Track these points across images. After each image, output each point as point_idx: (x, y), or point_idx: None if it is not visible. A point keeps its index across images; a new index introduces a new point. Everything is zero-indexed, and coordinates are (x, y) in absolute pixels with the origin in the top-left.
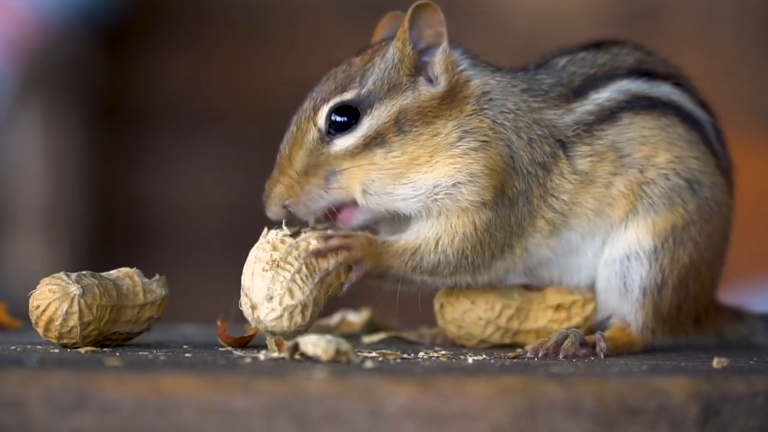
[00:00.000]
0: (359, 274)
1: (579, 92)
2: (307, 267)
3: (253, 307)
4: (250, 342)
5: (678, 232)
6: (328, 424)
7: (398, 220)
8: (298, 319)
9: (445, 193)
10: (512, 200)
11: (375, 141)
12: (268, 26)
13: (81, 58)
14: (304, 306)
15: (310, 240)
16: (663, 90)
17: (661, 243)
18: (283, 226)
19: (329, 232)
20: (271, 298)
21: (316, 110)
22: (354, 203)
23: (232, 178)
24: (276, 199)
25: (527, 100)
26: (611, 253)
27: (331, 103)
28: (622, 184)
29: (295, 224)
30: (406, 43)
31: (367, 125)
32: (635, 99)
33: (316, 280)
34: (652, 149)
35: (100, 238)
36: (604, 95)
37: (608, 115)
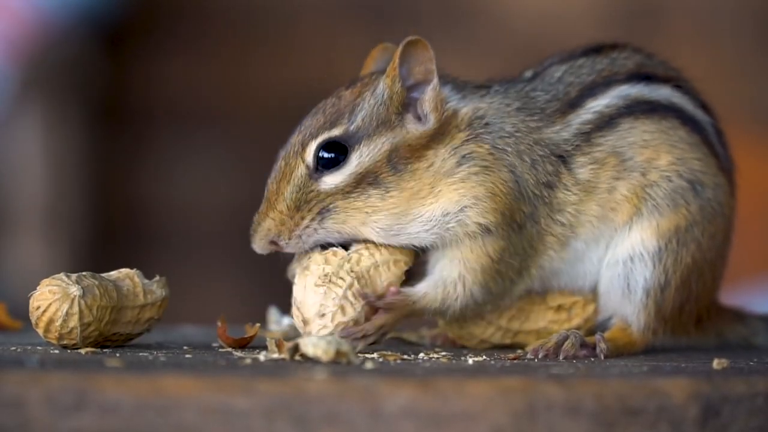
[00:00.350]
0: (377, 337)
1: (575, 103)
2: (359, 281)
3: (305, 322)
4: (250, 343)
5: (681, 233)
6: (329, 425)
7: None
8: None
9: (456, 221)
10: (521, 225)
11: (367, 180)
12: (268, 26)
13: (81, 58)
14: (356, 322)
15: (362, 252)
16: (663, 93)
17: (665, 244)
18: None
19: (369, 294)
20: (323, 315)
21: (304, 146)
22: (352, 238)
23: (232, 178)
24: (263, 233)
25: (525, 120)
26: (614, 254)
27: (320, 139)
28: (624, 188)
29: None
30: (395, 80)
31: (355, 162)
32: (635, 104)
33: (344, 334)
34: (654, 152)
35: (101, 238)
36: (603, 102)
37: (607, 122)
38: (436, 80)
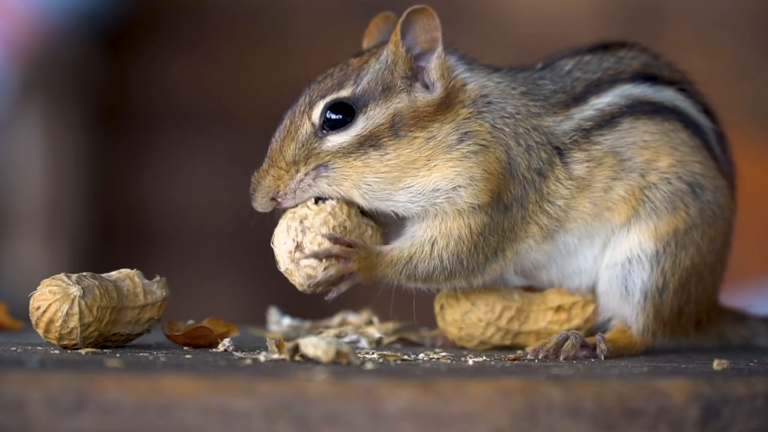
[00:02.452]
0: (350, 284)
1: (579, 98)
2: (326, 224)
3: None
4: (202, 336)
5: (680, 235)
6: (329, 426)
7: (394, 218)
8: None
9: (445, 197)
10: (507, 205)
11: (369, 142)
12: (268, 28)
13: (81, 59)
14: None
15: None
16: (666, 95)
17: (663, 247)
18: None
19: (334, 234)
20: (285, 244)
21: (311, 105)
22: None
23: (232, 179)
24: (264, 191)
25: (527, 104)
26: (613, 256)
27: (328, 99)
28: (622, 188)
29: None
30: (398, 46)
31: (362, 124)
32: (637, 104)
33: (306, 284)
34: (654, 154)
35: (101, 239)
36: (605, 100)
37: (608, 120)
38: (440, 48)
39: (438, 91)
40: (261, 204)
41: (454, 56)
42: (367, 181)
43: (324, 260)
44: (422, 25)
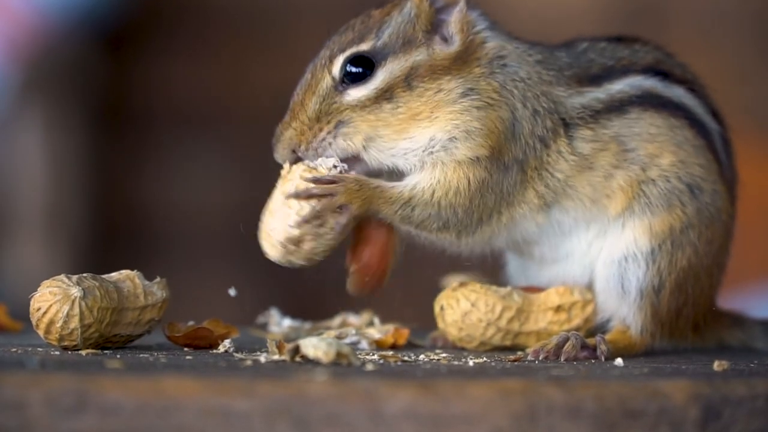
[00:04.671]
0: (347, 217)
1: (593, 79)
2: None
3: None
4: (202, 336)
5: (676, 234)
6: (329, 427)
7: (397, 175)
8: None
9: (441, 146)
10: (507, 166)
11: (385, 95)
12: (269, 29)
13: (82, 59)
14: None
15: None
16: (676, 92)
17: (659, 245)
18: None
19: (316, 175)
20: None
21: (332, 59)
22: (356, 157)
23: (232, 181)
24: (286, 143)
25: (540, 72)
26: (610, 253)
27: (348, 53)
28: (622, 178)
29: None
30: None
31: (381, 77)
32: (646, 95)
33: (294, 222)
34: (658, 149)
35: (101, 240)
36: (616, 87)
37: (617, 107)
38: (463, 2)
39: (456, 44)
40: (282, 155)
41: (475, 12)
42: (378, 132)
43: (306, 200)
44: None
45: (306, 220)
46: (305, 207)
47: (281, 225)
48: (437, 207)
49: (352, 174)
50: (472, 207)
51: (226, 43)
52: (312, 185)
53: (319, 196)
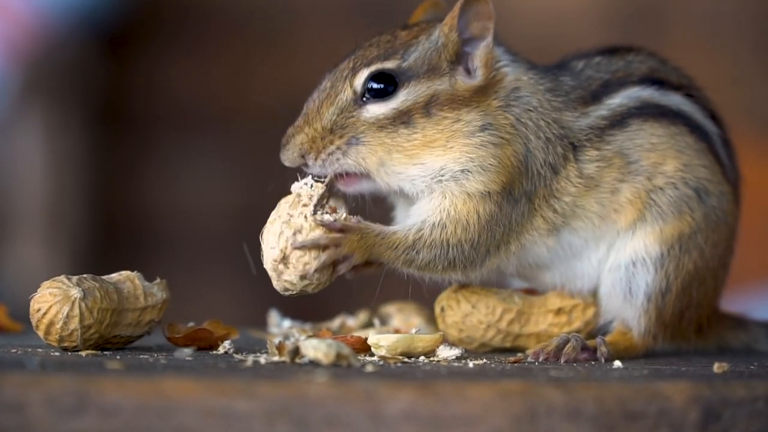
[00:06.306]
0: (347, 267)
1: (595, 96)
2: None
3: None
4: (203, 338)
5: (684, 239)
6: (329, 428)
7: (405, 195)
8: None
9: (451, 176)
10: (516, 199)
11: (402, 118)
12: (270, 30)
13: (82, 60)
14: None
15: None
16: (673, 99)
17: (668, 250)
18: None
19: (325, 217)
20: (273, 221)
21: (355, 72)
22: (361, 175)
23: (233, 182)
24: (296, 147)
25: (550, 99)
26: (617, 258)
27: (373, 67)
28: (629, 191)
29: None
30: (453, 30)
31: (402, 98)
32: (645, 106)
33: (299, 274)
34: (660, 157)
35: (101, 241)
36: (616, 101)
37: (619, 121)
38: (490, 38)
39: (479, 78)
40: (290, 158)
41: (500, 48)
42: (392, 156)
43: (313, 251)
44: (477, 12)
45: (316, 270)
46: (312, 262)
47: (292, 276)
48: (444, 246)
49: (353, 221)
50: (480, 241)
51: (227, 44)
52: (321, 234)
53: (325, 247)
